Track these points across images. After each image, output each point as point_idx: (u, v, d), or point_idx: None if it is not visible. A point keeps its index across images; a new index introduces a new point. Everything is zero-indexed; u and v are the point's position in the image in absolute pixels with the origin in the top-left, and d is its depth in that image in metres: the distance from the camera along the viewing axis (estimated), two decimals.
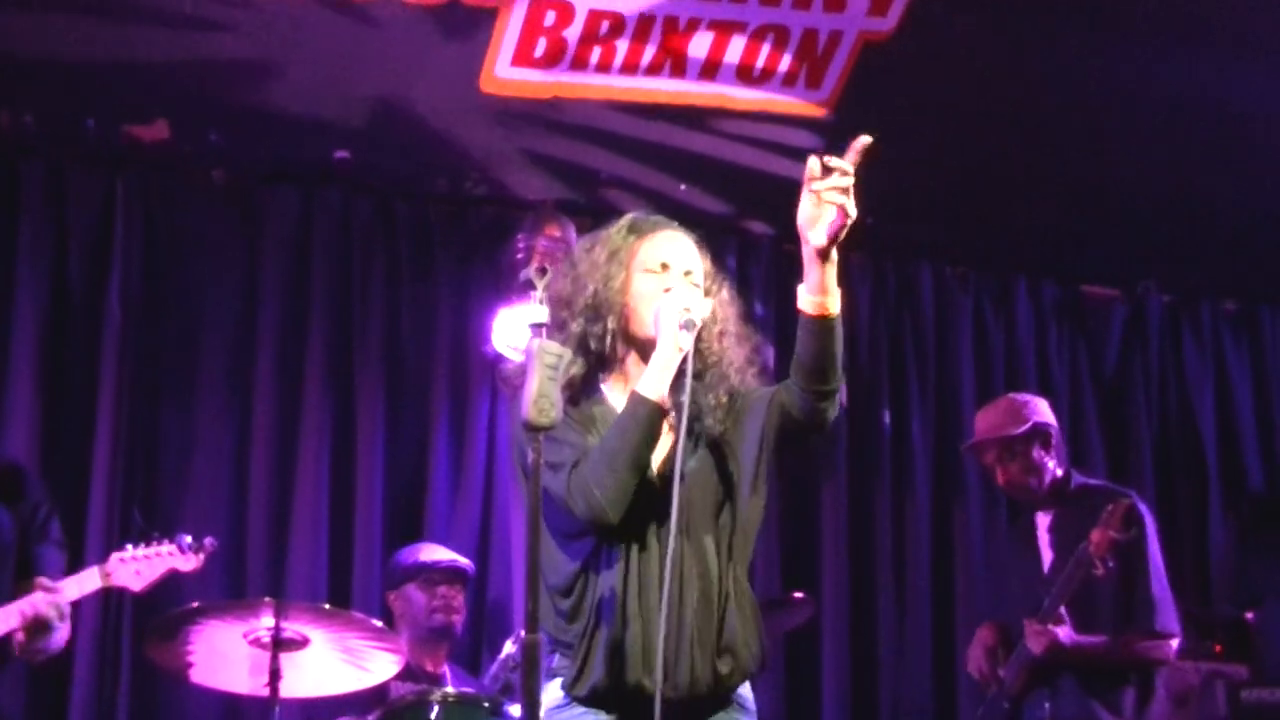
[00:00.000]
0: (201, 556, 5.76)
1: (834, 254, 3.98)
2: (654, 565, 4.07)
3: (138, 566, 5.64)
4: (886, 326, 8.79)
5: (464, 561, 7.01)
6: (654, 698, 3.96)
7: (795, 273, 4.07)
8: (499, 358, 7.31)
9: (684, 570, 4.09)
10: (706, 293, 4.29)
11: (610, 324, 4.19)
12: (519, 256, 7.47)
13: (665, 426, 4.14)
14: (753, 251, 8.54)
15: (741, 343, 4.35)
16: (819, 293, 3.99)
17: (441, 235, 8.08)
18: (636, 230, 4.32)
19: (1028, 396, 7.08)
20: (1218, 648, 7.85)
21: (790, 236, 4.02)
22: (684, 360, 4.05)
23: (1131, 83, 7.34)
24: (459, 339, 7.95)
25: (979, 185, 8.10)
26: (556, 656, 4.07)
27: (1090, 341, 9.16)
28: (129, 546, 5.70)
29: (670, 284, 4.20)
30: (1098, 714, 6.40)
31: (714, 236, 8.14)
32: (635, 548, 4.07)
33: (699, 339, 4.13)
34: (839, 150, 3.95)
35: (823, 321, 4.00)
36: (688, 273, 4.26)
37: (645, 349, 4.18)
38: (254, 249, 7.80)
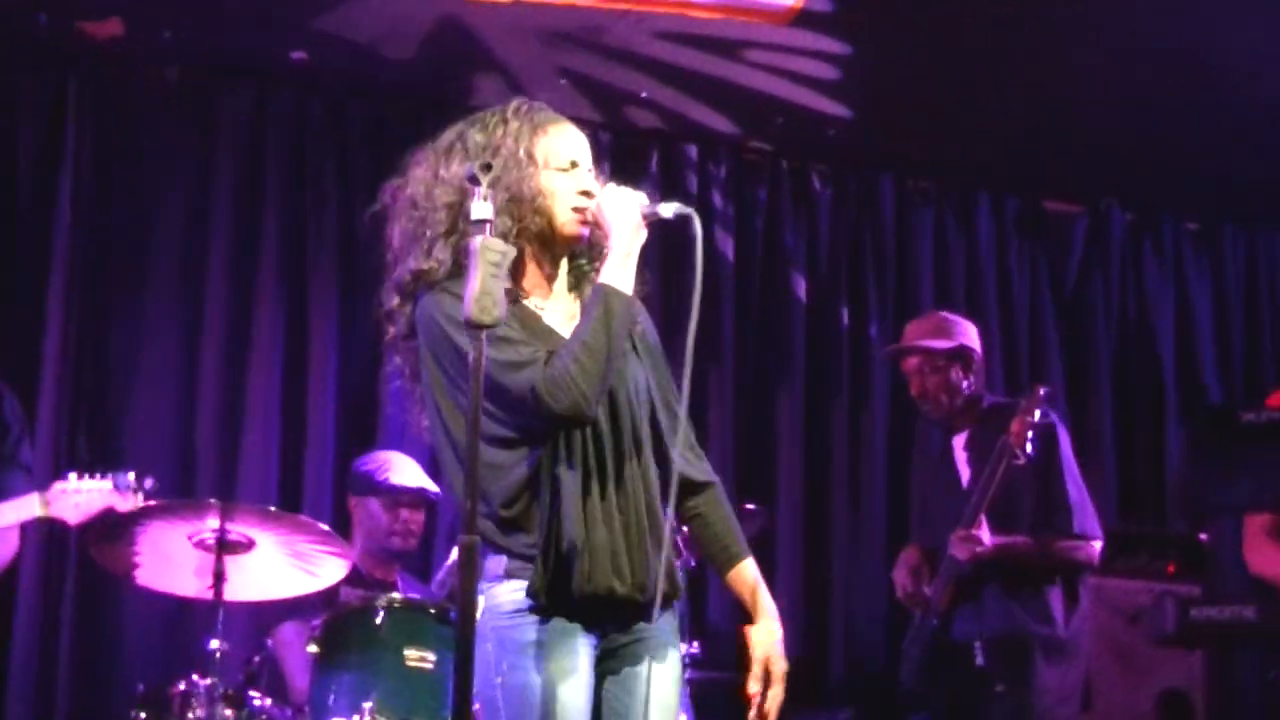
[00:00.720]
0: (140, 497, 5.73)
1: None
2: (607, 464, 4.03)
3: (77, 499, 5.65)
4: (847, 237, 8.76)
5: (432, 489, 6.94)
6: (622, 602, 3.98)
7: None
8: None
9: (641, 469, 4.07)
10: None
11: (532, 223, 4.08)
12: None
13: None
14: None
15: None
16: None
17: (397, 138, 7.99)
18: (536, 125, 4.18)
19: (959, 318, 7.10)
20: (1170, 567, 7.84)
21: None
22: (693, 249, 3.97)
23: (1100, 3, 7.28)
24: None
25: (943, 97, 8.05)
26: (504, 559, 4.00)
27: (1051, 256, 9.14)
28: (71, 476, 5.68)
29: (583, 184, 4.10)
30: (1024, 623, 6.40)
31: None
32: (587, 446, 4.02)
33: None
34: None
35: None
36: (590, 170, 4.17)
37: (558, 251, 4.13)
38: (206, 149, 7.73)
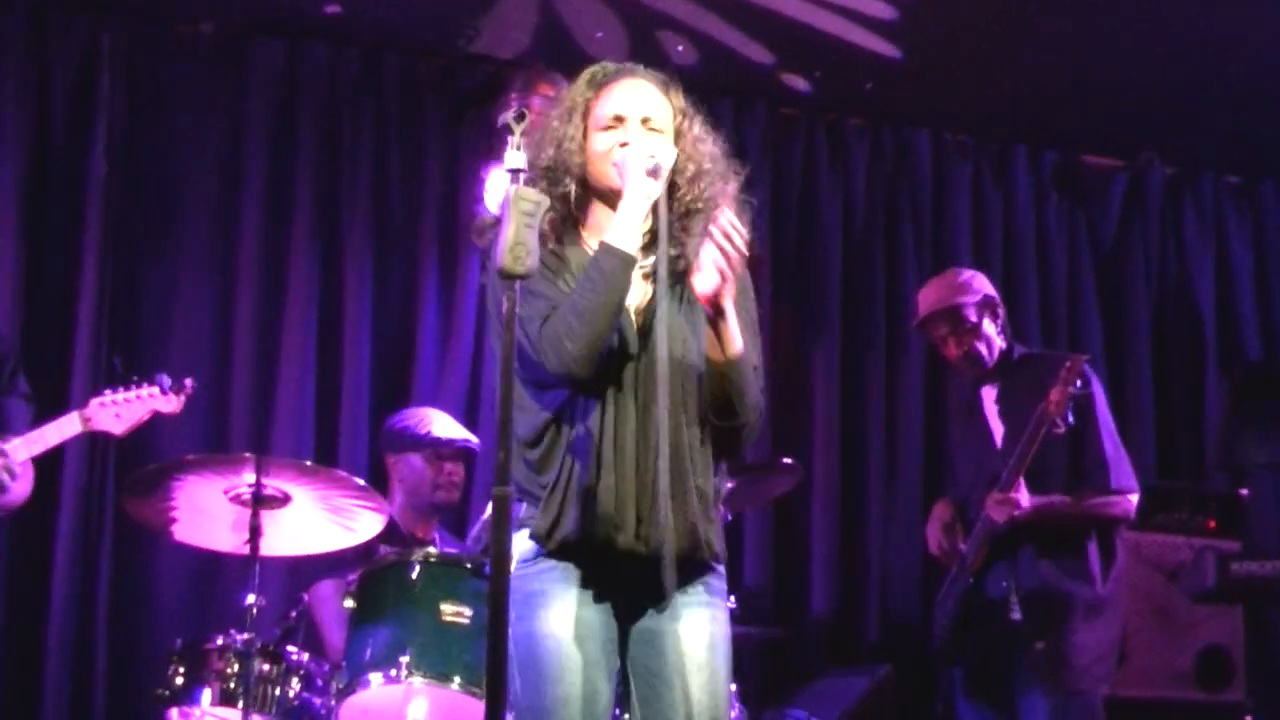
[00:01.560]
0: (182, 397, 5.69)
1: (726, 308, 3.96)
2: (630, 415, 4.02)
3: (117, 410, 5.59)
4: (883, 192, 8.72)
5: (474, 441, 6.95)
6: (623, 553, 3.96)
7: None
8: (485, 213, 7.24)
9: (674, 425, 4.02)
10: (677, 133, 4.20)
11: (570, 186, 4.13)
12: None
13: (641, 276, 4.08)
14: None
15: (723, 179, 4.24)
16: (712, 340, 4.02)
17: (431, 93, 7.99)
18: (594, 83, 4.22)
19: (968, 270, 7.07)
20: (1210, 523, 7.80)
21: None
22: (656, 207, 3.99)
23: None
24: (449, 198, 7.88)
25: (981, 51, 7.99)
26: (524, 506, 4.03)
27: (1089, 211, 9.09)
28: (108, 391, 5.63)
29: (626, 138, 4.11)
30: (1058, 581, 6.36)
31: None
32: (612, 396, 4.02)
33: (674, 185, 4.09)
34: None
35: (723, 365, 4.03)
36: (645, 119, 4.16)
37: (612, 202, 4.10)
38: (240, 102, 7.73)
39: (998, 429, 6.67)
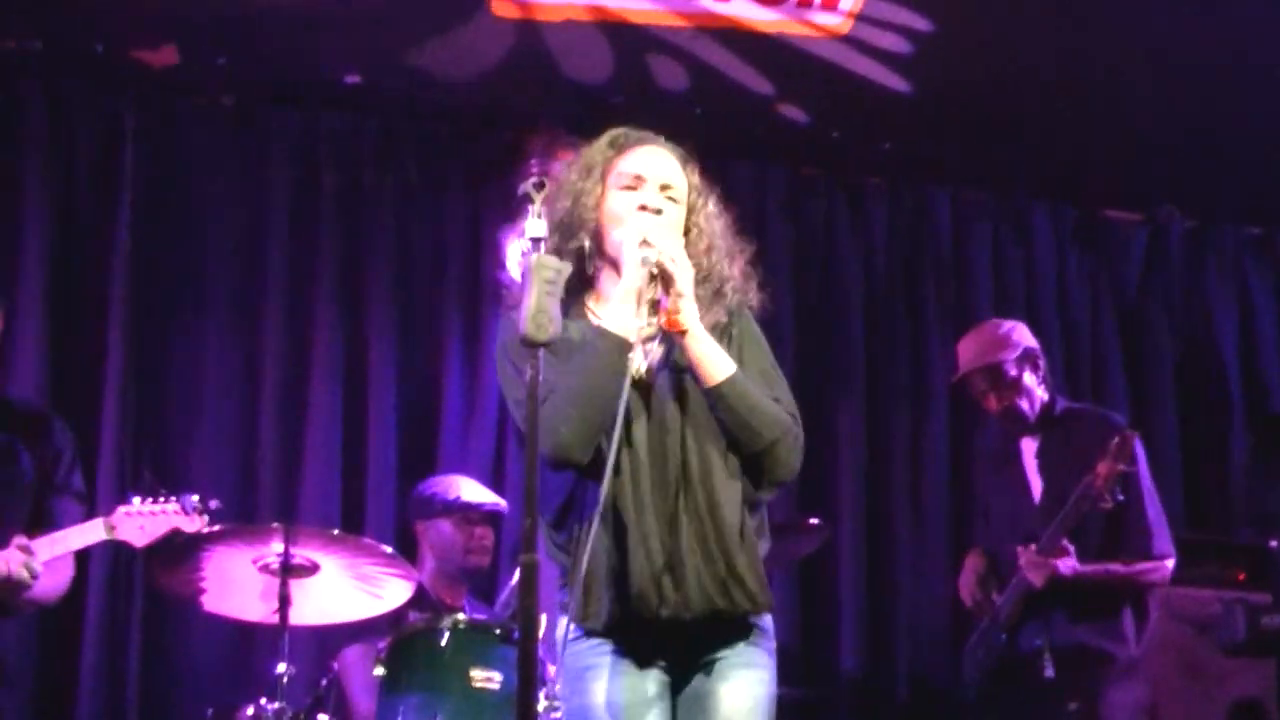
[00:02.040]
0: (206, 518, 5.73)
1: (693, 330, 4.02)
2: (647, 483, 4.02)
3: (142, 522, 5.64)
4: (903, 252, 8.73)
5: (503, 504, 6.97)
6: (662, 622, 3.95)
7: None
8: (511, 284, 7.24)
9: (687, 479, 4.04)
10: (690, 209, 4.23)
11: (584, 242, 4.15)
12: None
13: (642, 341, 4.08)
14: None
15: (733, 257, 4.27)
16: (702, 366, 4.06)
17: (452, 159, 8.02)
18: (616, 145, 4.26)
19: (1010, 321, 6.99)
20: (1240, 575, 7.78)
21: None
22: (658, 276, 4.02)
23: (1153, 6, 7.24)
24: (471, 263, 7.91)
25: (997, 108, 8.01)
26: (564, 586, 4.04)
27: (1111, 266, 9.08)
28: (135, 500, 5.68)
29: (644, 199, 4.13)
30: (1093, 641, 6.33)
31: None
32: (628, 465, 4.01)
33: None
34: None
35: (713, 390, 4.05)
36: (664, 186, 4.18)
37: (618, 266, 4.11)
38: (262, 173, 7.77)
39: (1036, 484, 6.63)
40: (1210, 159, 8.55)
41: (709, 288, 4.16)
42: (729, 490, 4.09)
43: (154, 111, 7.63)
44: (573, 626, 4.01)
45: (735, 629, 4.10)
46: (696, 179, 4.29)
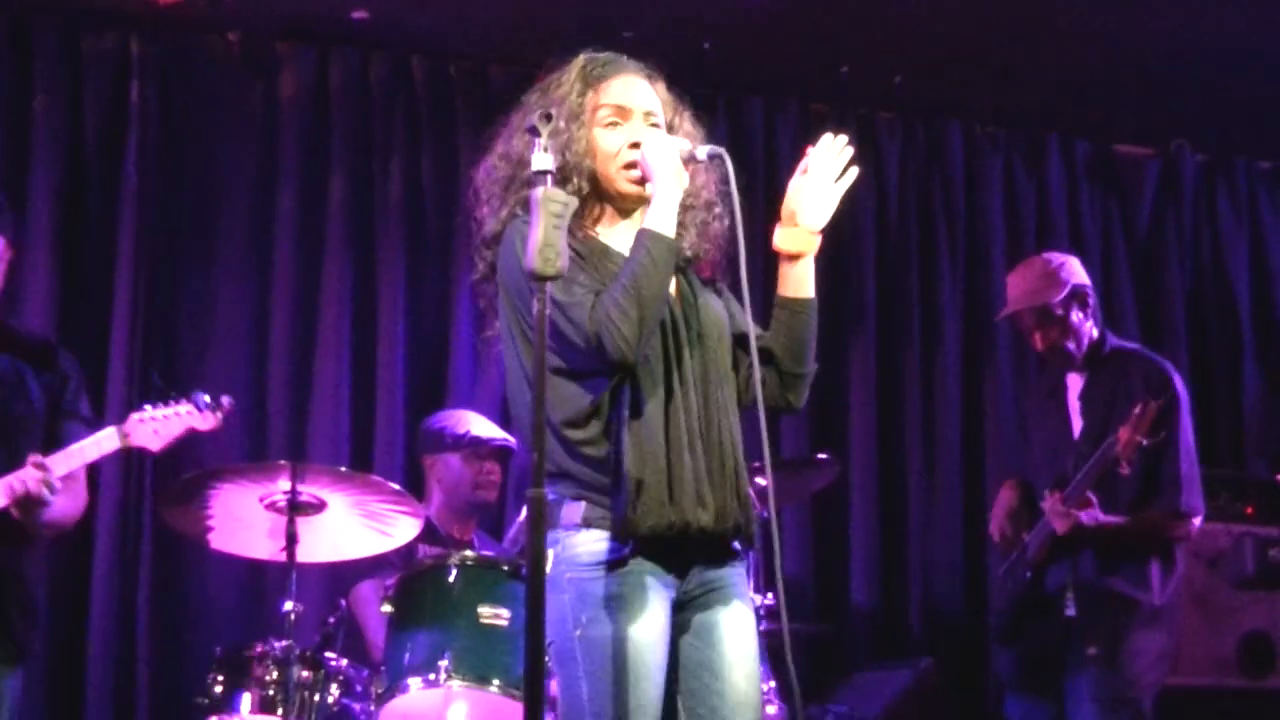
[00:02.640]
0: (219, 415, 5.66)
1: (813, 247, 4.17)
2: (683, 394, 4.04)
3: (155, 426, 5.56)
4: (916, 186, 8.71)
5: (512, 440, 6.96)
6: (702, 535, 3.98)
7: None
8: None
9: (723, 401, 4.11)
10: (669, 126, 4.24)
11: (582, 185, 4.12)
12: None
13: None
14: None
15: (708, 171, 4.28)
16: (803, 275, 4.21)
17: (462, 95, 8.00)
18: (589, 80, 4.23)
19: (1061, 256, 6.88)
20: (1249, 510, 7.78)
21: None
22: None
23: None
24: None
25: (1010, 41, 7.96)
26: (582, 505, 3.96)
27: (1123, 200, 9.06)
28: (147, 407, 5.61)
29: (633, 135, 4.13)
30: (1118, 587, 6.31)
31: None
32: (663, 377, 4.03)
33: None
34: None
35: (802, 304, 4.21)
36: (648, 114, 4.19)
37: (620, 205, 4.17)
38: (271, 110, 7.76)
39: (1077, 422, 6.58)
40: (1222, 93, 8.51)
41: (696, 203, 4.22)
42: (737, 422, 4.16)
43: (163, 47, 7.61)
44: (602, 549, 3.95)
45: (735, 555, 4.13)
46: (665, 93, 4.30)
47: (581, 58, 4.29)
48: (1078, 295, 6.61)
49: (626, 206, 4.15)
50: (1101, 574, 6.31)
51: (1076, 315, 6.59)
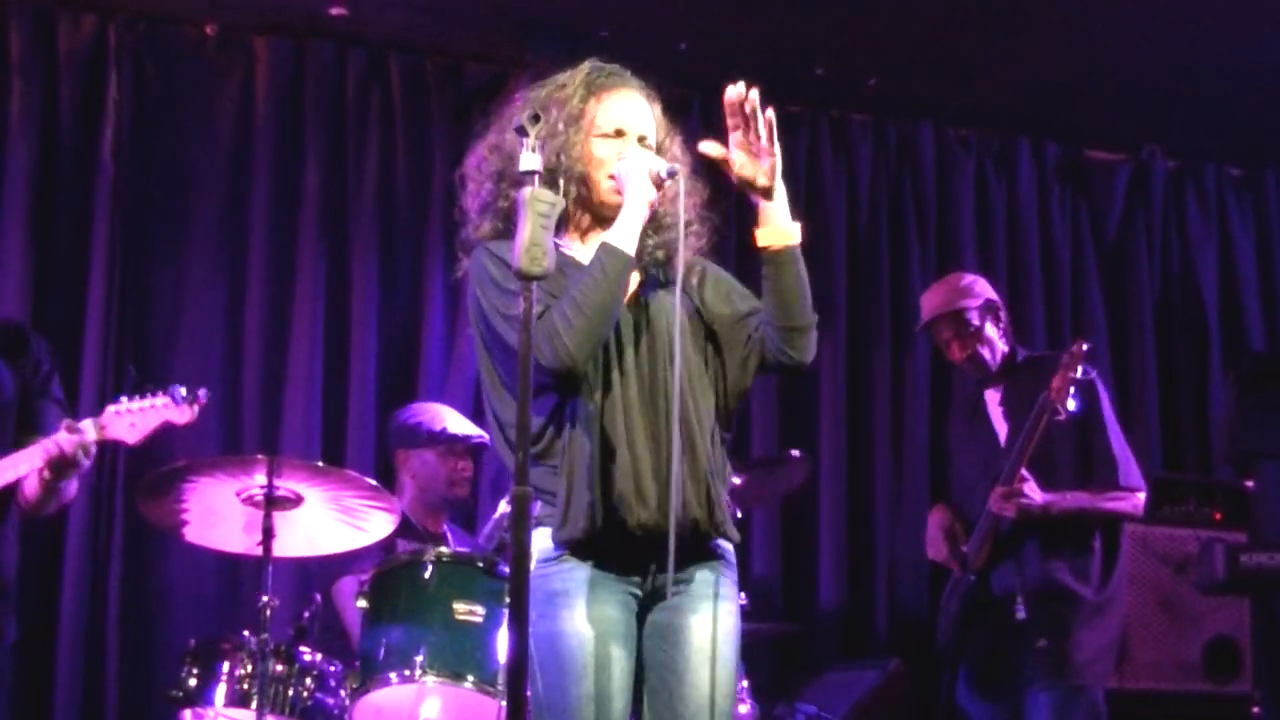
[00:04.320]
0: (195, 408, 5.65)
1: (781, 189, 4.14)
2: (634, 392, 4.07)
3: (132, 419, 5.54)
4: (887, 187, 8.75)
5: (486, 437, 6.96)
6: (644, 530, 3.98)
7: None
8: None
9: (664, 396, 4.09)
10: (659, 147, 4.29)
11: (571, 189, 4.16)
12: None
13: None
14: None
15: (692, 193, 4.29)
16: (775, 226, 4.17)
17: (437, 91, 8.00)
18: (592, 90, 4.26)
19: (970, 274, 7.13)
20: (1217, 515, 7.83)
21: None
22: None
23: None
24: (454, 197, 7.85)
25: (983, 44, 8.00)
26: (539, 504, 4.00)
27: (1093, 204, 9.10)
28: (123, 399, 5.60)
29: (624, 152, 4.18)
30: (1063, 580, 6.38)
31: None
32: (617, 380, 4.06)
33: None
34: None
35: (781, 254, 4.18)
36: (642, 138, 4.25)
37: (600, 212, 4.20)
38: (247, 102, 7.75)
39: (1002, 429, 6.70)
40: (1193, 99, 8.56)
41: (671, 218, 4.21)
42: (709, 420, 4.17)
43: (139, 37, 7.59)
44: (548, 546, 4.01)
45: (707, 551, 4.14)
46: (659, 112, 4.35)
47: (587, 65, 4.33)
48: (990, 308, 6.80)
49: (607, 215, 4.17)
50: (1047, 571, 6.39)
51: (990, 327, 6.75)
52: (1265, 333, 9.14)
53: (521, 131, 3.76)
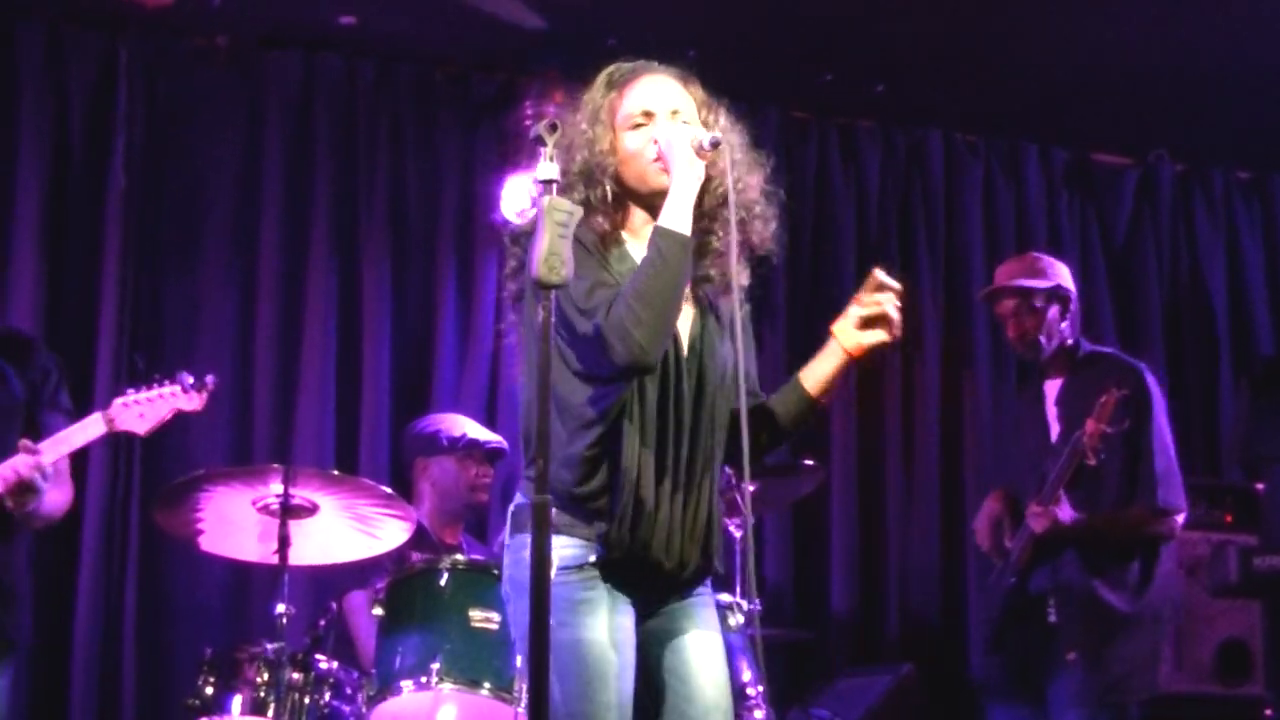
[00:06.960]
0: (204, 395, 5.62)
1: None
2: (674, 438, 4.06)
3: (141, 409, 5.52)
4: (896, 194, 8.75)
5: (504, 443, 7.00)
6: (658, 571, 4.05)
7: None
8: (507, 225, 7.24)
9: (711, 445, 4.13)
10: (704, 124, 4.17)
11: (608, 187, 4.10)
12: (527, 123, 7.39)
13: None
14: None
15: (753, 169, 4.26)
16: (825, 382, 4.30)
17: (446, 101, 8.02)
18: (614, 84, 4.21)
19: (1052, 258, 6.96)
20: (1227, 518, 7.83)
21: None
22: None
23: None
24: (465, 205, 7.92)
25: (991, 50, 8.01)
26: (555, 512, 3.89)
27: (1101, 208, 9.10)
28: (130, 390, 5.59)
29: (658, 133, 4.09)
30: (1099, 591, 6.33)
31: None
32: (655, 424, 4.05)
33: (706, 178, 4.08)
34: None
35: (815, 402, 4.30)
36: (674, 112, 4.14)
37: (647, 201, 4.11)
38: (257, 114, 7.78)
39: (1055, 426, 6.61)
40: (1200, 103, 8.56)
41: (740, 201, 4.14)
42: (718, 471, 4.22)
43: (149, 51, 7.62)
44: (569, 555, 4.00)
45: (699, 583, 4.22)
46: (701, 93, 4.24)
47: (611, 66, 4.27)
48: (1059, 295, 6.67)
49: (658, 205, 4.03)
50: (1084, 577, 6.34)
51: (1054, 313, 6.64)
52: (1274, 335, 9.12)
53: (539, 141, 3.74)
